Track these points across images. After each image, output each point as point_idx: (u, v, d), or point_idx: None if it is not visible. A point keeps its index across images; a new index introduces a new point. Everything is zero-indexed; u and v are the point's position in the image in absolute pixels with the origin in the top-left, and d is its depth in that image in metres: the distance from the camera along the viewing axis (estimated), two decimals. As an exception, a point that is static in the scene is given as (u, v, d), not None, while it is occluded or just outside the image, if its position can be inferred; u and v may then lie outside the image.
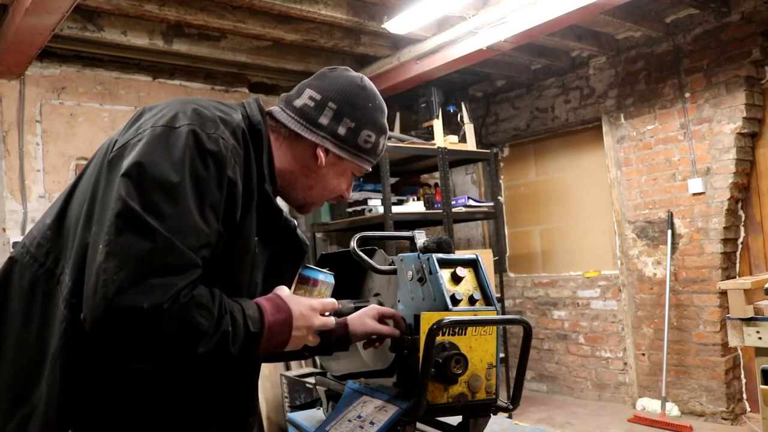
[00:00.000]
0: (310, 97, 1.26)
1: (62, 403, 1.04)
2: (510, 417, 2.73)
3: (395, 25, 3.93)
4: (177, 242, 0.99)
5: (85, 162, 1.66)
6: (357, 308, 1.57)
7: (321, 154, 1.25)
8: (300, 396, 4.25)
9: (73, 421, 1.05)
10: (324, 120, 1.25)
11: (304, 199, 1.31)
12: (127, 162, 1.02)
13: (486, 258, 4.66)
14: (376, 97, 1.31)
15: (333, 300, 1.24)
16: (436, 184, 5.01)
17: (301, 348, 1.24)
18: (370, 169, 1.36)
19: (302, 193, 1.30)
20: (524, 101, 5.81)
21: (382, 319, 1.45)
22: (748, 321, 2.68)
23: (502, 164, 6.17)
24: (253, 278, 1.19)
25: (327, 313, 1.22)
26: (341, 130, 1.25)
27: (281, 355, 1.44)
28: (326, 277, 1.27)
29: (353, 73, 1.32)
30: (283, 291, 1.19)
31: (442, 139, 4.69)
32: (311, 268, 1.27)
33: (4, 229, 3.96)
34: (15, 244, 3.83)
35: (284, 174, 1.26)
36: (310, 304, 1.19)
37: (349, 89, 1.27)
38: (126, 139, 1.09)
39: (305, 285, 1.25)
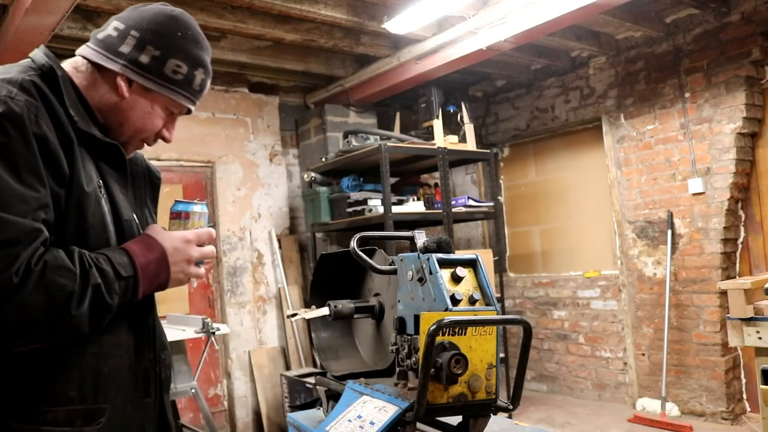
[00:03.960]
0: (115, 28, 1.20)
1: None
2: (510, 417, 2.73)
3: (395, 25, 3.93)
4: (1, 215, 0.96)
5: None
6: (357, 308, 1.57)
7: (122, 83, 1.18)
8: (300, 396, 4.25)
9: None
10: (125, 48, 1.18)
11: (119, 137, 1.22)
12: None
13: (486, 258, 4.66)
14: (188, 28, 1.24)
15: (208, 229, 1.24)
16: (436, 184, 5.01)
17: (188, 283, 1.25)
18: (191, 107, 1.28)
19: (116, 132, 1.22)
20: (524, 101, 5.81)
21: None
22: (748, 321, 2.67)
23: (502, 164, 6.17)
24: (120, 220, 1.17)
25: (206, 244, 1.22)
26: (143, 58, 1.18)
27: None
28: (196, 207, 1.24)
29: (168, 6, 1.25)
30: (153, 229, 1.19)
31: (442, 139, 4.69)
32: (180, 201, 1.24)
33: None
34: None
35: (99, 112, 1.20)
36: (182, 236, 1.19)
37: (155, 18, 1.20)
38: None
39: (177, 220, 1.23)
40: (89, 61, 1.21)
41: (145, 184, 1.36)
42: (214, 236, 1.24)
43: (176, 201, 1.25)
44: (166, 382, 1.34)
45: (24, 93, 1.05)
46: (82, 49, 1.23)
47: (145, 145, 1.30)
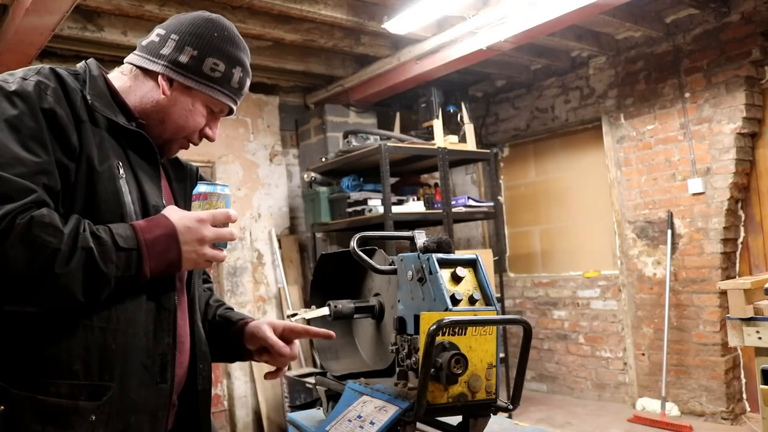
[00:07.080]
0: (157, 34, 1.28)
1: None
2: (510, 417, 2.73)
3: (395, 25, 3.93)
4: None
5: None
6: (357, 308, 1.57)
7: (163, 82, 1.24)
8: (300, 396, 4.26)
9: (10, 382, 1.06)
10: (166, 50, 1.25)
11: (161, 136, 1.28)
12: None
13: (486, 258, 4.66)
14: (225, 29, 1.29)
15: (225, 210, 1.21)
16: (436, 184, 5.01)
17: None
18: (232, 106, 1.33)
19: (157, 131, 1.27)
20: (524, 101, 5.81)
21: (285, 334, 1.41)
22: (748, 321, 2.68)
23: (502, 164, 6.17)
24: (148, 205, 1.19)
25: (225, 225, 1.20)
26: (183, 58, 1.24)
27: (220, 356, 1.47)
28: (214, 188, 1.22)
29: (206, 12, 1.32)
30: (167, 209, 1.18)
31: (442, 139, 4.69)
32: (202, 182, 1.24)
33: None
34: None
35: (140, 114, 1.26)
36: (196, 216, 1.16)
37: (194, 21, 1.27)
38: None
39: (198, 201, 1.22)
40: (134, 65, 1.29)
41: (193, 184, 1.39)
42: (233, 218, 1.21)
43: (199, 183, 1.25)
44: (204, 396, 1.32)
45: (38, 75, 1.12)
46: (129, 57, 1.31)
47: (191, 144, 1.35)
